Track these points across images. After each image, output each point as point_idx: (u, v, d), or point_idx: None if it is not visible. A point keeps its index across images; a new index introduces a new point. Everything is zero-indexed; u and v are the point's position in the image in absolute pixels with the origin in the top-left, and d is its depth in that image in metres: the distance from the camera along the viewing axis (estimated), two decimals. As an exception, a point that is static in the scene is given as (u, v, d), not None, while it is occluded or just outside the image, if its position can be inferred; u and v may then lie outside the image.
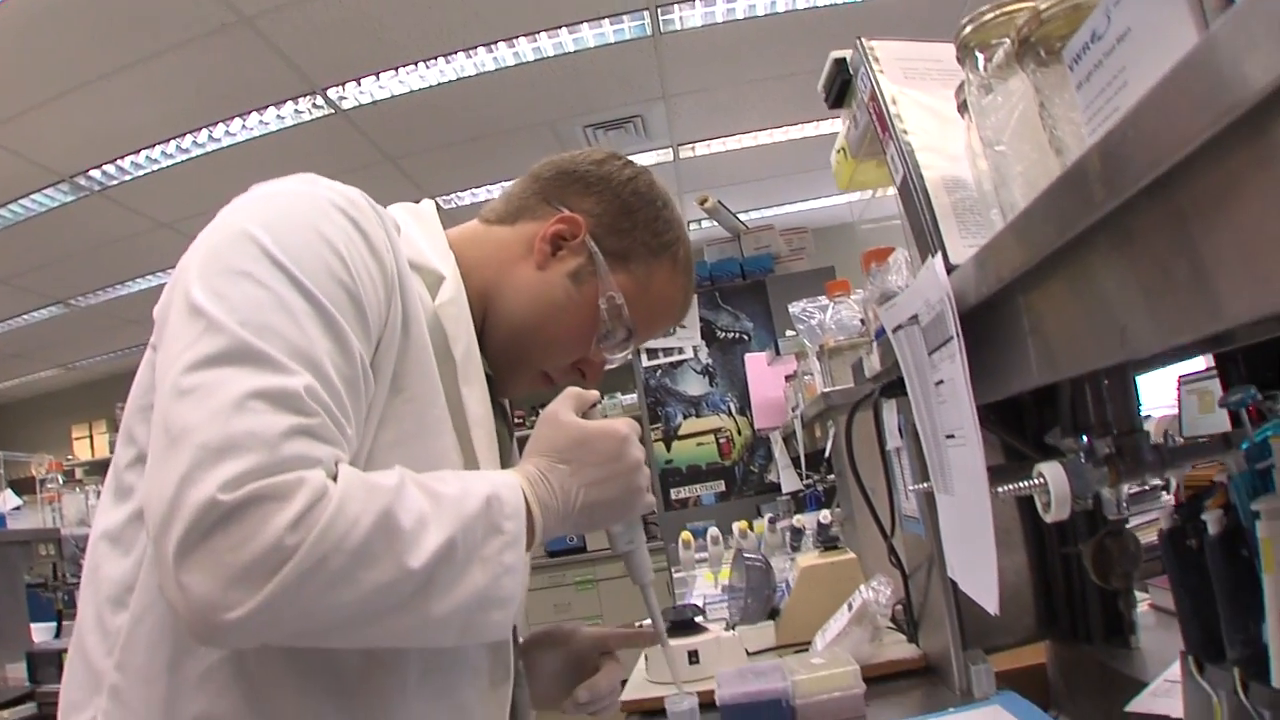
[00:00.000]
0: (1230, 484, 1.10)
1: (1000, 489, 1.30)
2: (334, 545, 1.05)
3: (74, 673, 1.30)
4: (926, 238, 1.49)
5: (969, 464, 1.35)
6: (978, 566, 1.45)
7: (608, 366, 1.66)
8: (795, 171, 9.03)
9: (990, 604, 1.41)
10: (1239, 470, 1.09)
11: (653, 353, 6.59)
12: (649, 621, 1.63)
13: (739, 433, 6.49)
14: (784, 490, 5.06)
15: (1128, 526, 1.59)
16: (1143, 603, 2.16)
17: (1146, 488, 1.26)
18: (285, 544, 1.02)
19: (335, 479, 1.09)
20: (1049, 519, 1.26)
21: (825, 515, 3.19)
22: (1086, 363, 1.07)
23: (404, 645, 1.27)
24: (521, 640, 1.74)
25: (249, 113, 6.41)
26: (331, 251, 1.22)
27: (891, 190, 1.68)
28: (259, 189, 1.31)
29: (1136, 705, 1.66)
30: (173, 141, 6.58)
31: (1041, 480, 1.25)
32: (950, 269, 1.34)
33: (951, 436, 1.42)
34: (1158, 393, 2.42)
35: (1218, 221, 0.72)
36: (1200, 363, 2.08)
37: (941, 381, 1.40)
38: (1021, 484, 1.28)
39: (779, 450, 5.25)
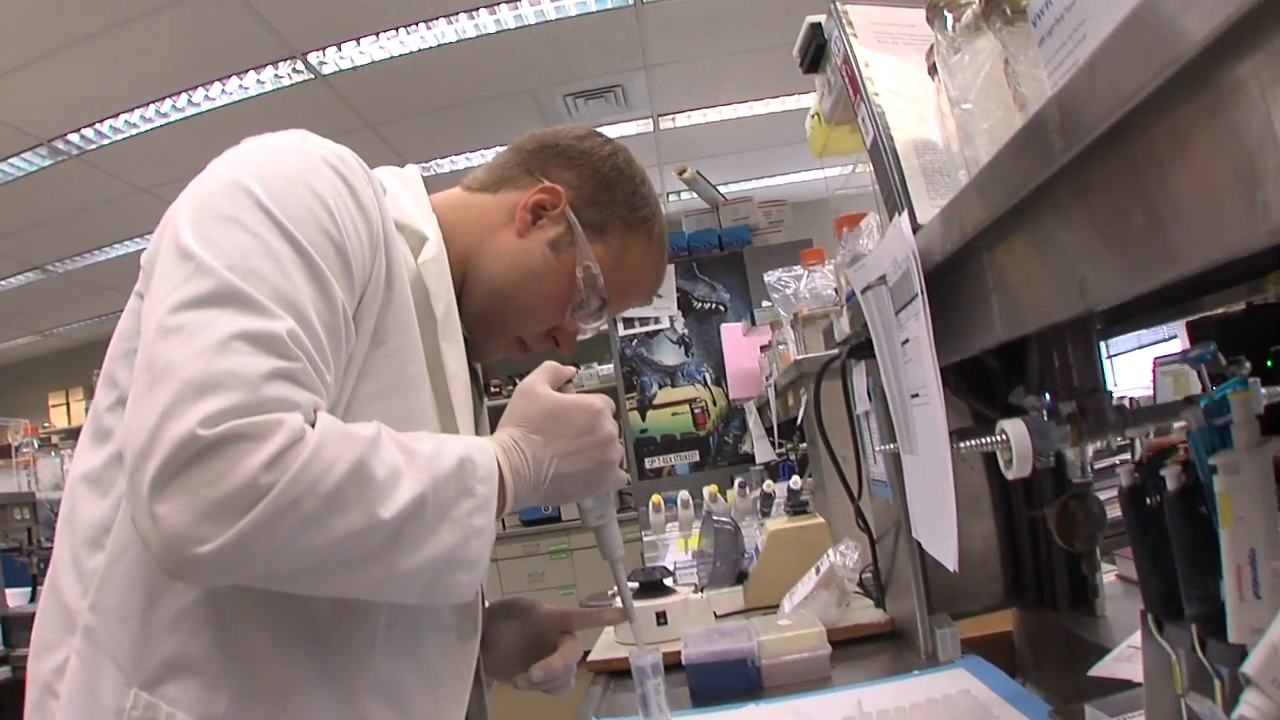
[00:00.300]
0: (1189, 440, 1.11)
1: (963, 444, 1.31)
2: (307, 488, 1.07)
3: (48, 613, 1.32)
4: (895, 198, 1.50)
5: (932, 422, 1.36)
6: (939, 524, 1.46)
7: (581, 336, 1.71)
8: (774, 145, 9.02)
9: (950, 560, 1.42)
10: (1198, 426, 1.10)
11: (629, 322, 6.59)
12: (618, 599, 1.65)
13: (714, 403, 6.50)
14: (758, 460, 5.08)
15: (1092, 491, 1.61)
16: (1110, 573, 2.18)
17: (1117, 462, 1.26)
18: (260, 482, 1.04)
19: (313, 425, 1.12)
20: (1010, 475, 1.27)
21: (796, 481, 3.21)
22: (1048, 315, 1.08)
23: (371, 598, 1.28)
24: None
25: (229, 77, 6.36)
26: (320, 204, 1.25)
27: (870, 166, 1.69)
28: (251, 142, 1.34)
29: (1099, 670, 1.67)
30: (152, 106, 6.51)
31: (1004, 437, 1.26)
32: (916, 229, 1.36)
33: (916, 396, 1.43)
34: (1133, 375, 2.43)
35: (1171, 169, 0.73)
36: (1176, 345, 2.09)
37: (907, 341, 1.41)
38: (984, 440, 1.29)
39: (753, 420, 5.27)
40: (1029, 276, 1.11)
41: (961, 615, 2.07)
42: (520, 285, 1.57)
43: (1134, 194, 0.80)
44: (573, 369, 1.53)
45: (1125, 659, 1.63)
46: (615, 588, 1.65)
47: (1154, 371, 2.32)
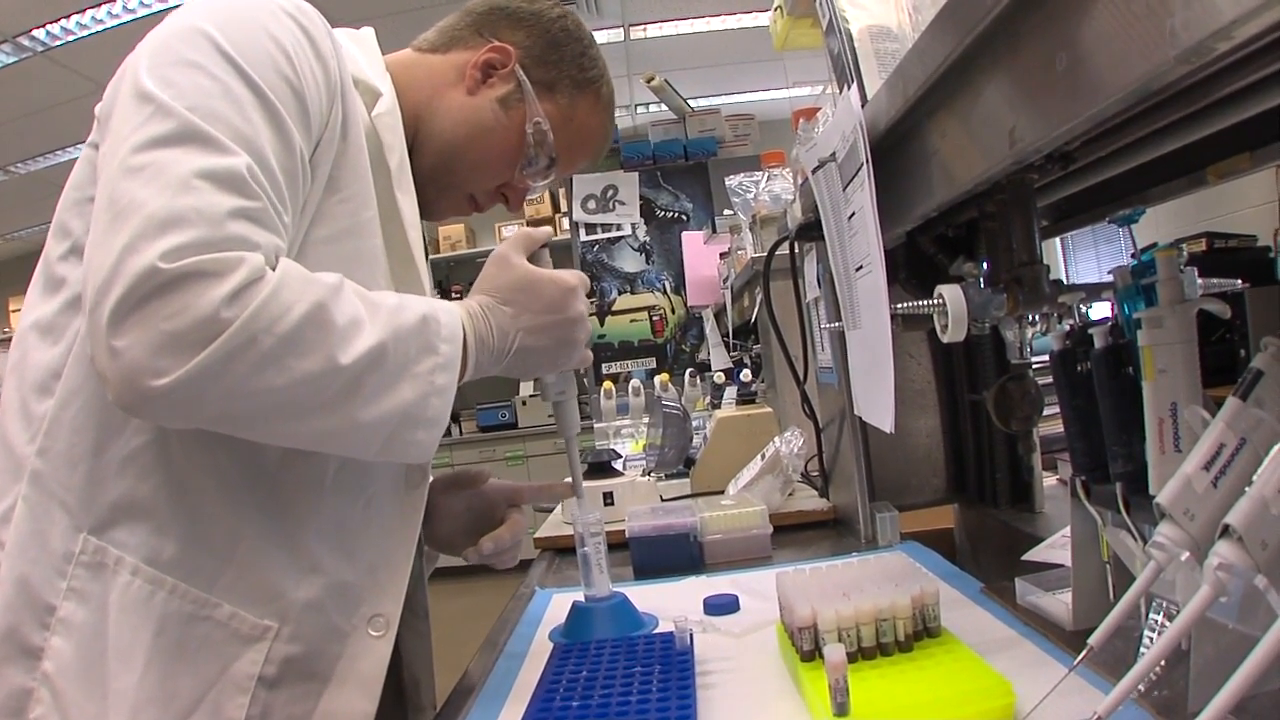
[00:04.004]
0: (1115, 299, 1.16)
1: (900, 305, 1.35)
2: (265, 326, 1.07)
3: None
4: (846, 75, 1.53)
5: (874, 289, 1.40)
6: (878, 391, 1.51)
7: (530, 195, 1.73)
8: (746, 60, 8.96)
9: (886, 424, 1.47)
10: (1124, 285, 1.14)
11: (590, 228, 6.61)
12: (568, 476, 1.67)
13: (672, 311, 6.54)
14: (714, 367, 5.11)
15: (1030, 374, 1.65)
16: (1051, 478, 2.23)
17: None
18: (220, 317, 1.04)
19: (274, 269, 1.12)
20: (946, 339, 1.31)
21: (746, 374, 3.25)
22: (981, 170, 1.12)
23: (327, 449, 1.28)
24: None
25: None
26: (279, 50, 1.24)
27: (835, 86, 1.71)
28: None
29: (1032, 554, 1.72)
30: (119, 1, 6.37)
31: (940, 300, 1.30)
32: (865, 103, 1.39)
33: (860, 268, 1.47)
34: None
35: (1093, 9, 0.77)
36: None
37: (854, 214, 1.45)
38: (921, 302, 1.33)
39: (710, 327, 5.30)
40: (966, 135, 1.14)
41: (904, 508, 2.11)
42: (470, 141, 1.57)
43: (1059, 39, 0.84)
44: (547, 230, 1.51)
45: (1059, 546, 1.68)
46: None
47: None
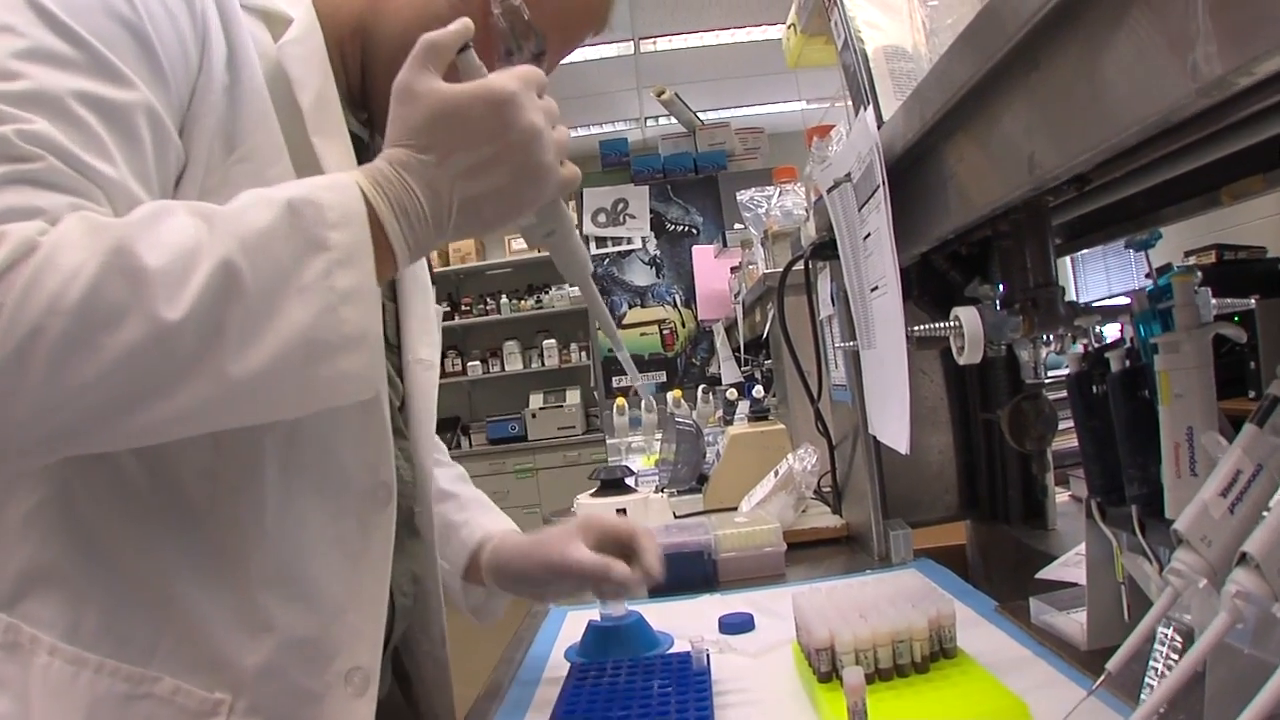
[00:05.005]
0: (1133, 324, 1.16)
1: (918, 328, 1.36)
2: (46, 307, 0.83)
3: None
4: (862, 95, 1.54)
5: (890, 310, 1.41)
6: (894, 413, 1.51)
7: None
8: (755, 74, 8.97)
9: (902, 445, 1.47)
10: (1141, 309, 1.15)
11: (601, 241, 6.62)
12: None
13: (683, 325, 6.56)
14: (724, 381, 5.12)
15: (1044, 393, 1.65)
16: (1063, 494, 2.23)
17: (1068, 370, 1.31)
18: None
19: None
20: (962, 361, 1.31)
21: (759, 391, 3.25)
22: (999, 194, 1.13)
23: (232, 424, 1.00)
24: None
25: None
26: None
27: (849, 100, 1.72)
28: None
29: (1045, 573, 1.72)
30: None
31: (957, 322, 1.30)
32: (881, 124, 1.40)
33: (875, 288, 1.48)
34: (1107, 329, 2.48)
35: (1113, 42, 0.78)
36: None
37: (869, 235, 1.46)
38: (938, 325, 1.33)
39: (720, 341, 5.31)
40: (983, 159, 1.15)
41: (916, 525, 2.11)
42: None
43: (1079, 69, 0.84)
44: (461, 23, 1.08)
45: (1072, 564, 1.68)
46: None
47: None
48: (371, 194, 0.99)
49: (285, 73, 1.15)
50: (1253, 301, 1.18)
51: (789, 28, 2.31)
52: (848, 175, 1.52)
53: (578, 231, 1.27)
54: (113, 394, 0.86)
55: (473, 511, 1.68)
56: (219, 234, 0.90)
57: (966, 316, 1.29)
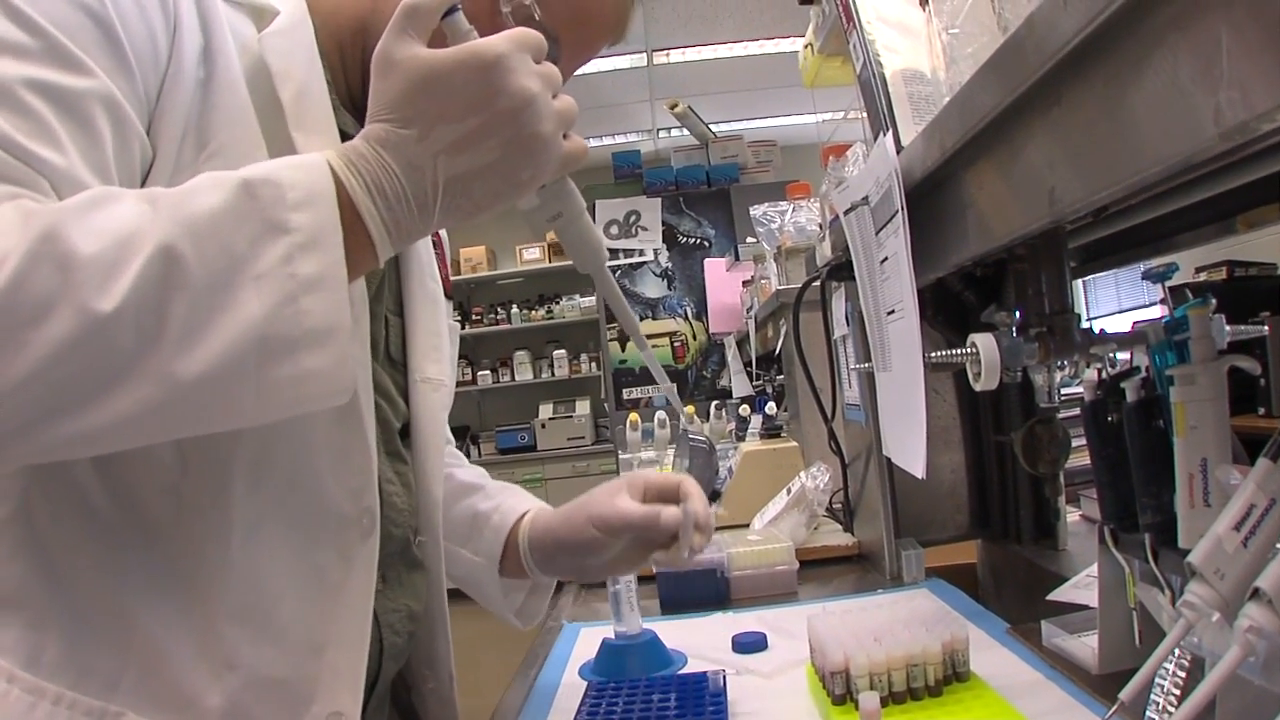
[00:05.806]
0: (1149, 354, 1.17)
1: (934, 354, 1.37)
2: None
3: None
4: (881, 120, 1.55)
5: (907, 334, 1.41)
6: (909, 437, 1.52)
7: None
8: (768, 86, 8.99)
9: (918, 469, 1.48)
10: (1157, 340, 1.15)
11: (613, 253, 6.63)
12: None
13: (694, 337, 6.56)
14: (735, 394, 5.12)
15: (1058, 417, 1.66)
16: (1074, 514, 2.24)
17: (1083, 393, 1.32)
18: None
19: None
20: (979, 387, 1.32)
21: (771, 407, 3.26)
22: (1019, 226, 1.14)
23: (186, 432, 0.93)
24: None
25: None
26: None
27: (862, 110, 1.73)
28: None
29: (1057, 594, 1.72)
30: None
31: (974, 349, 1.31)
32: (900, 149, 1.41)
33: (892, 312, 1.49)
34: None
35: (1137, 80, 0.79)
36: (1158, 311, 2.14)
37: (886, 259, 1.47)
38: (955, 351, 1.34)
39: (732, 355, 5.32)
40: (1003, 189, 1.16)
41: (928, 544, 2.12)
42: None
43: (1103, 105, 0.85)
44: None
45: (1083, 586, 1.69)
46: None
47: (1133, 330, 2.38)
48: (343, 172, 0.91)
49: (267, 66, 1.07)
50: (1264, 329, 1.18)
51: (806, 47, 2.32)
52: (865, 199, 1.53)
53: (589, 215, 1.16)
54: (42, 396, 0.79)
55: (502, 497, 1.62)
56: (162, 218, 0.82)
57: (984, 344, 1.30)
